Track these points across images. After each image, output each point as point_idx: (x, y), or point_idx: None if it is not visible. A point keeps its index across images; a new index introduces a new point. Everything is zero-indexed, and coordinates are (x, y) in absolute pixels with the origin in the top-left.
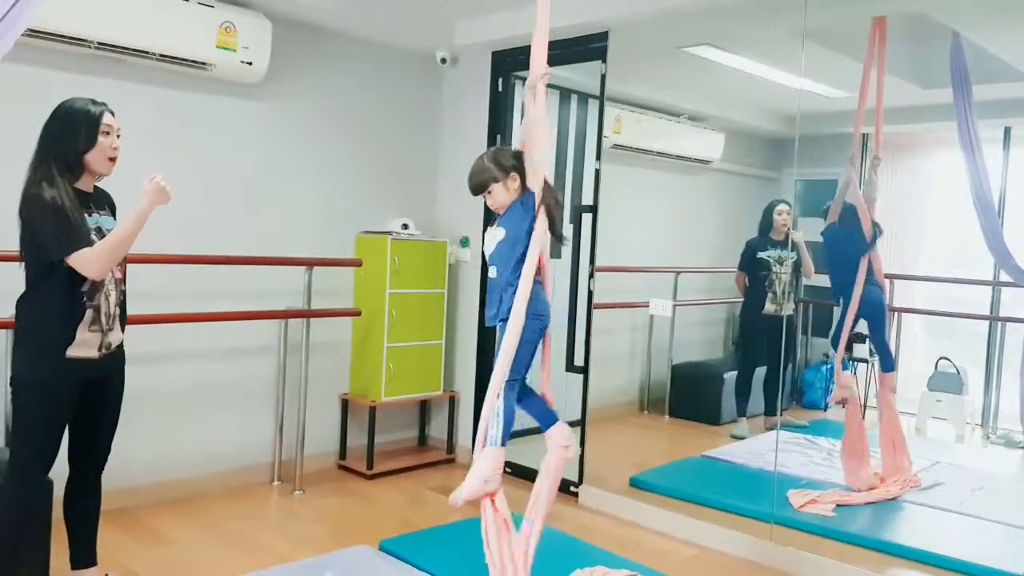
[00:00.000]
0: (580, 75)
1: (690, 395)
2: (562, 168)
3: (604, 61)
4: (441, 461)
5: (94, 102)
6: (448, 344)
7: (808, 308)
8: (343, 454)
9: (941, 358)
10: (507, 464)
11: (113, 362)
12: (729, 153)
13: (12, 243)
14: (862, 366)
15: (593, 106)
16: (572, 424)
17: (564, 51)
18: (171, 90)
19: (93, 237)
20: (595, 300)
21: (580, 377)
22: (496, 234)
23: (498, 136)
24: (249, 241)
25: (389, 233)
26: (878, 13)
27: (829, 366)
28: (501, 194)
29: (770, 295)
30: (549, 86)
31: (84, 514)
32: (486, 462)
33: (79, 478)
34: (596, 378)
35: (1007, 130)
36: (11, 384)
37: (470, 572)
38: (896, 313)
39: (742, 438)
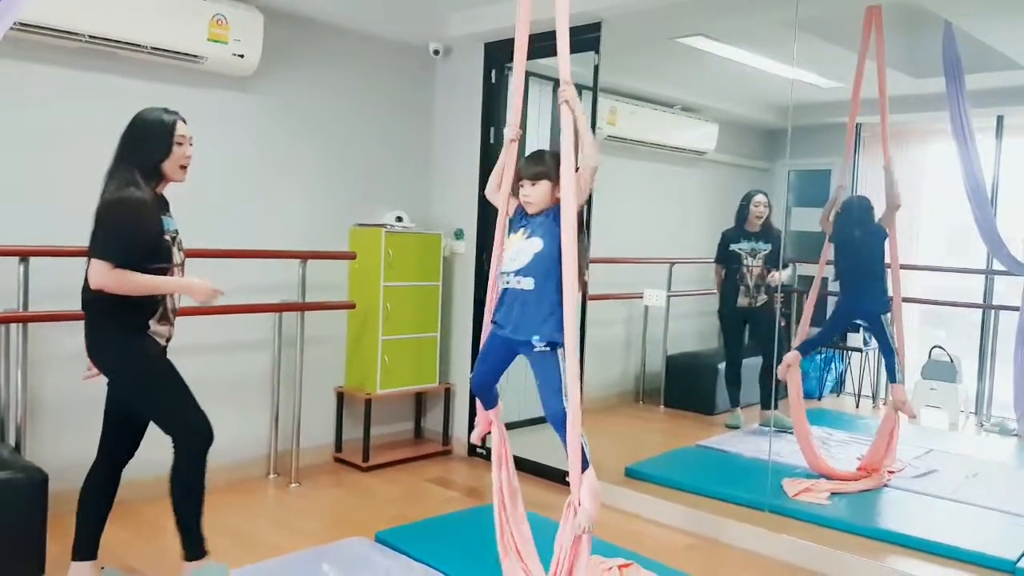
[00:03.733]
0: (573, 66)
1: (685, 385)
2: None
3: (597, 52)
4: (437, 453)
5: (168, 112)
6: (443, 337)
7: (801, 298)
8: (339, 447)
9: (935, 346)
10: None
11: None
12: (723, 144)
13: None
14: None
15: (587, 97)
16: None
17: (555, 42)
18: (163, 83)
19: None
20: (590, 291)
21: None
22: (533, 245)
23: (491, 128)
24: (243, 234)
25: (383, 226)
26: (871, 2)
27: (824, 356)
28: (546, 195)
29: (742, 288)
30: (542, 76)
31: (103, 504)
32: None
33: (107, 467)
34: (591, 369)
35: (1000, 119)
36: (113, 371)
37: (466, 563)
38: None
39: (736, 427)
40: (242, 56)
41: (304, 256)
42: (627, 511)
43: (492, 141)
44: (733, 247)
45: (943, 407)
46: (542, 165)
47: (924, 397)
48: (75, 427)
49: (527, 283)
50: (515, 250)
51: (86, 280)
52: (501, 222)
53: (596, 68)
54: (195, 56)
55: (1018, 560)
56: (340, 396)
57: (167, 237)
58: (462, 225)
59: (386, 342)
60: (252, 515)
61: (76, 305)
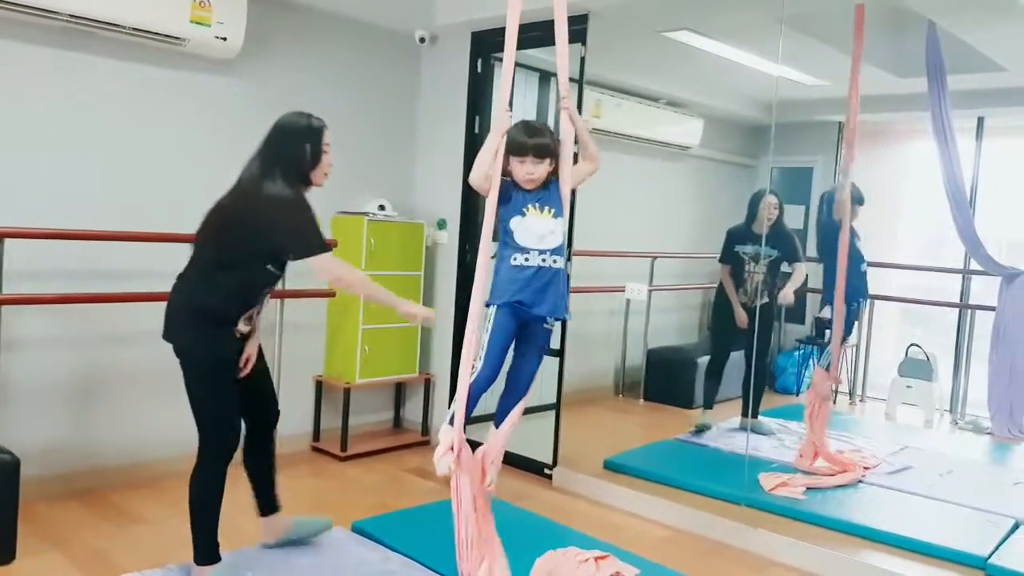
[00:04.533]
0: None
1: (665, 379)
2: None
3: (584, 44)
4: (416, 443)
5: (315, 118)
6: (424, 327)
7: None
8: (317, 436)
9: (911, 345)
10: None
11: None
12: (708, 139)
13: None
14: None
15: (572, 89)
16: (547, 407)
17: (543, 33)
18: (144, 65)
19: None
20: (572, 284)
21: (556, 361)
22: (560, 223)
23: (476, 118)
24: None
25: (365, 214)
26: (858, 1)
27: (802, 352)
28: (545, 170)
29: (741, 290)
30: (527, 67)
31: (264, 465)
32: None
33: (254, 434)
34: (572, 362)
35: (980, 120)
36: (183, 356)
37: (443, 553)
38: (869, 300)
39: (704, 430)
40: (225, 39)
41: None
42: (605, 503)
43: (477, 131)
44: (738, 248)
45: (919, 405)
46: (545, 140)
47: (900, 394)
48: (47, 412)
49: (560, 262)
50: (546, 229)
51: (191, 265)
52: (493, 203)
53: (583, 60)
54: (177, 38)
55: (989, 556)
56: (319, 385)
57: None
58: (445, 215)
59: (366, 331)
60: (227, 503)
61: (48, 288)
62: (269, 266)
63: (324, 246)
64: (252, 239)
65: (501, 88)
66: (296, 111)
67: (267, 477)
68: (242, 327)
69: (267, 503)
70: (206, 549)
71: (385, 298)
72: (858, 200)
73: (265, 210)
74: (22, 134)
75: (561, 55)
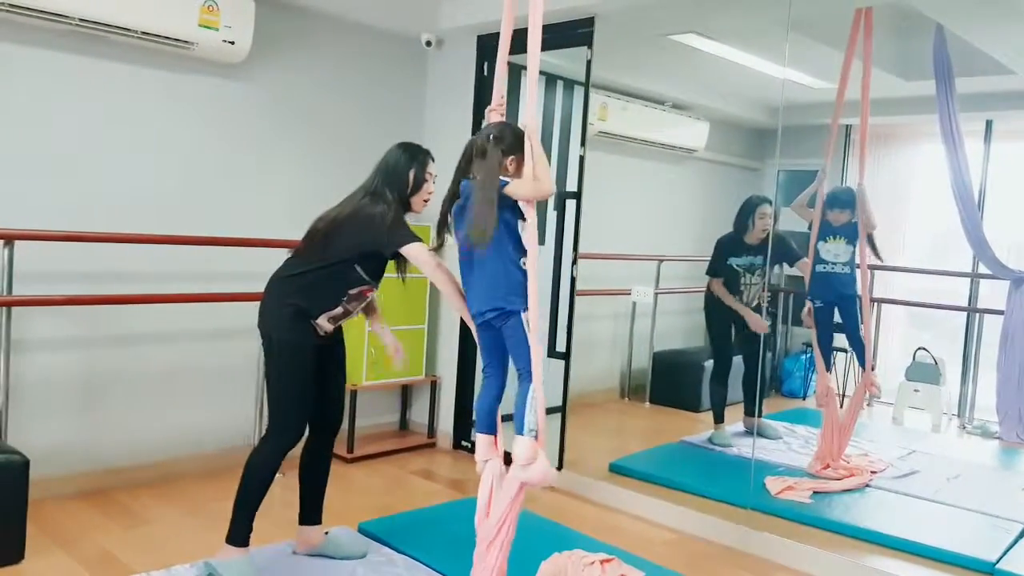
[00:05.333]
0: (566, 61)
1: (670, 382)
2: (547, 154)
3: (590, 47)
4: (422, 446)
5: (422, 148)
6: (431, 329)
7: (789, 297)
8: None
9: (919, 348)
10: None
11: (338, 335)
12: (713, 142)
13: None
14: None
15: (578, 92)
16: (553, 410)
17: (550, 36)
18: (152, 69)
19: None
20: (578, 287)
21: (562, 363)
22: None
23: (483, 121)
24: (229, 222)
25: None
26: (862, 4)
27: (809, 355)
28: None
29: (736, 297)
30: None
31: (321, 474)
32: None
33: (316, 438)
34: (577, 364)
35: (988, 123)
36: (265, 339)
37: (449, 554)
38: (876, 304)
39: (726, 446)
40: (233, 43)
41: (291, 245)
42: (611, 506)
43: None
44: (732, 261)
45: (926, 409)
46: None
47: (908, 398)
48: (57, 412)
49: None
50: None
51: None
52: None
53: (588, 63)
54: (185, 42)
55: (997, 561)
56: None
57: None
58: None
59: (372, 334)
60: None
61: (60, 289)
62: (357, 267)
63: (412, 237)
64: (339, 241)
65: (528, 98)
66: (408, 141)
67: (318, 485)
68: (324, 324)
69: (310, 513)
70: (241, 530)
71: (449, 296)
72: (829, 203)
73: (358, 217)
74: (32, 137)
75: (532, 81)
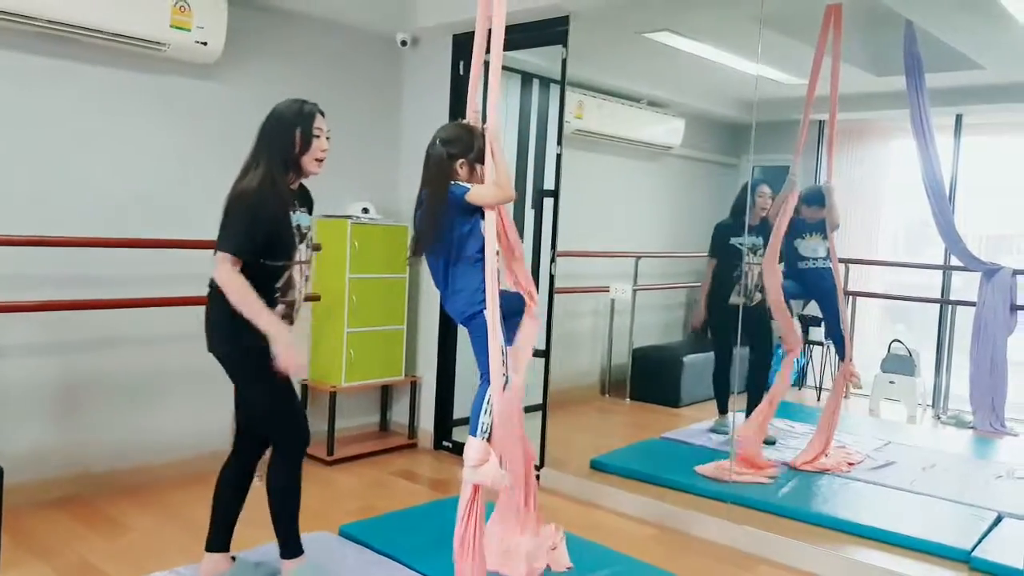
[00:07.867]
0: (541, 59)
1: (650, 378)
2: (524, 153)
3: (565, 46)
4: (403, 446)
5: (306, 103)
6: (410, 329)
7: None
8: None
9: (894, 340)
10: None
11: None
12: (689, 139)
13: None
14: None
15: (555, 91)
16: (534, 408)
17: (525, 35)
18: (123, 70)
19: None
20: (556, 284)
21: (542, 361)
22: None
23: (459, 120)
24: (205, 224)
25: (349, 217)
26: (832, 0)
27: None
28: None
29: (737, 287)
30: (511, 70)
31: (236, 499)
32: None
33: (240, 462)
34: (557, 362)
35: (958, 118)
36: (224, 359)
37: (430, 556)
38: (851, 297)
39: (724, 432)
40: (205, 43)
41: None
42: (592, 503)
43: None
44: (734, 241)
45: (901, 400)
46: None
47: (883, 390)
48: (31, 418)
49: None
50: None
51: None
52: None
53: (564, 62)
54: (157, 43)
55: (973, 549)
56: (304, 388)
57: (293, 232)
58: None
59: (351, 334)
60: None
61: (32, 295)
62: (263, 261)
63: (225, 246)
64: (228, 240)
65: (490, 102)
66: (292, 98)
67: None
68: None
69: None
70: (294, 543)
71: (254, 317)
72: (805, 200)
73: (226, 203)
74: (1, 140)
75: (493, 88)
